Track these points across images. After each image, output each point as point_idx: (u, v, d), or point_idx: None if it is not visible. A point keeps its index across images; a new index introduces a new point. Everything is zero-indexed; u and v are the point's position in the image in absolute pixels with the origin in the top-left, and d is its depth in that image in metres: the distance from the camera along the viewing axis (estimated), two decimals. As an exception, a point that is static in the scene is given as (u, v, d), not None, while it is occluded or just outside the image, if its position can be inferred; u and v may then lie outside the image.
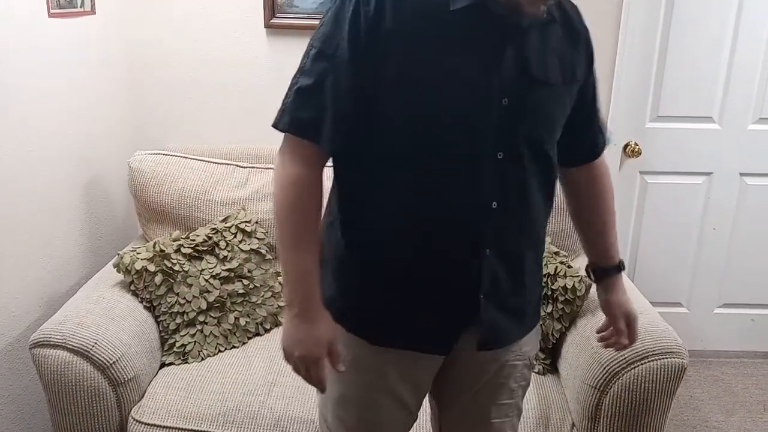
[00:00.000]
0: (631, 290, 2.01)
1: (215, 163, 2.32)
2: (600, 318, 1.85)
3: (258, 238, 2.17)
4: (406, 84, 1.11)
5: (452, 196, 1.16)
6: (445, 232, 1.19)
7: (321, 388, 1.22)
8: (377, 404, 1.32)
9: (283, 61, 2.44)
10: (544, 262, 1.96)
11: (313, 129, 1.13)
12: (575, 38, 1.24)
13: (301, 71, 1.15)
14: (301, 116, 1.14)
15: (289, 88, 1.16)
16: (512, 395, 1.39)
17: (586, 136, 1.37)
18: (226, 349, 2.04)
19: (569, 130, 1.28)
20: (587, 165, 1.40)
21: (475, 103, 1.12)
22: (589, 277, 1.49)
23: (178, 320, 1.99)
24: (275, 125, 1.17)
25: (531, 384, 1.89)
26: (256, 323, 2.12)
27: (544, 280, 1.95)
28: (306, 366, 1.19)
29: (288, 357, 1.21)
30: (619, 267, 1.45)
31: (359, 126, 1.15)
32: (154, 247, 2.00)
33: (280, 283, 2.22)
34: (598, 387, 1.70)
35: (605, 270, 1.45)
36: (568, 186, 1.44)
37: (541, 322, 1.94)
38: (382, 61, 1.10)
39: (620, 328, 1.44)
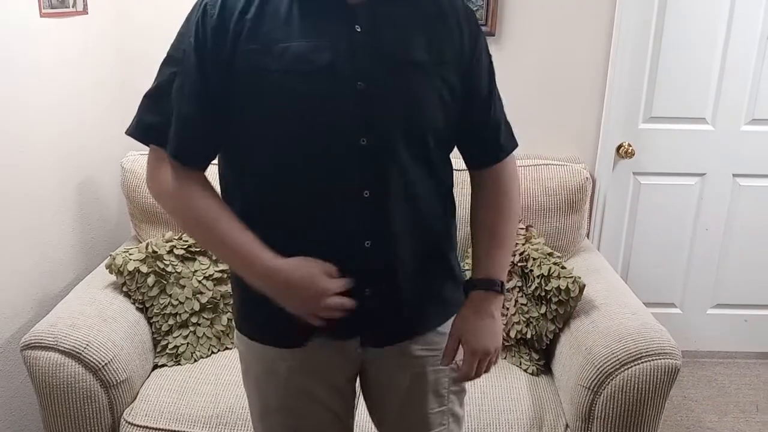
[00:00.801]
0: (625, 291, 2.02)
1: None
2: (594, 319, 1.87)
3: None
4: (256, 77, 1.08)
5: (320, 188, 1.12)
6: (320, 227, 1.14)
7: (336, 310, 1.14)
8: (299, 410, 1.30)
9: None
10: (537, 264, 1.97)
11: (157, 133, 1.14)
12: (445, 19, 1.16)
13: (155, 78, 1.17)
14: (146, 120, 1.16)
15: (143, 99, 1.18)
16: (443, 402, 1.35)
17: (482, 134, 1.26)
18: (219, 350, 2.04)
19: (464, 126, 1.22)
20: (489, 170, 1.29)
21: (327, 88, 1.08)
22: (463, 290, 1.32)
23: (171, 322, 1.98)
24: (127, 131, 1.18)
25: (525, 384, 1.90)
26: (250, 324, 2.11)
27: (538, 281, 1.95)
28: (314, 301, 1.13)
29: (296, 303, 1.15)
30: (493, 285, 1.27)
31: (216, 129, 1.13)
32: (146, 248, 1.99)
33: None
34: (591, 388, 1.70)
35: (472, 283, 1.29)
36: (472, 188, 1.33)
37: (534, 323, 1.95)
38: (230, 59, 1.08)
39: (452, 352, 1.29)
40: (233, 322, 1.30)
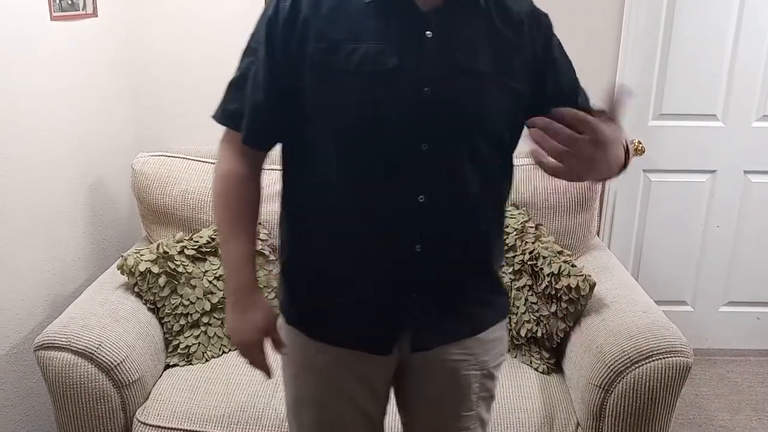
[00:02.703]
0: (636, 289, 2.01)
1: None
2: (605, 317, 1.86)
3: (261, 240, 2.17)
4: (323, 75, 1.10)
5: (376, 188, 1.14)
6: (372, 228, 1.16)
7: (265, 373, 1.27)
8: (332, 406, 1.31)
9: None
10: (547, 262, 1.97)
11: (236, 119, 1.19)
12: (516, 29, 1.17)
13: (237, 67, 1.22)
14: (229, 107, 1.21)
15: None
16: (472, 407, 1.35)
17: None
18: (230, 350, 2.05)
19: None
20: None
21: (394, 92, 1.10)
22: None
23: (182, 322, 1.99)
24: (214, 116, 1.24)
25: (535, 383, 1.90)
26: (260, 324, 2.12)
27: (548, 279, 1.94)
28: (246, 352, 1.24)
29: (233, 344, 1.27)
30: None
31: (283, 119, 1.17)
32: (157, 248, 2.00)
33: (283, 283, 2.22)
34: (602, 386, 1.69)
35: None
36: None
37: (545, 322, 1.95)
38: (300, 53, 1.11)
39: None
40: (279, 311, 1.32)
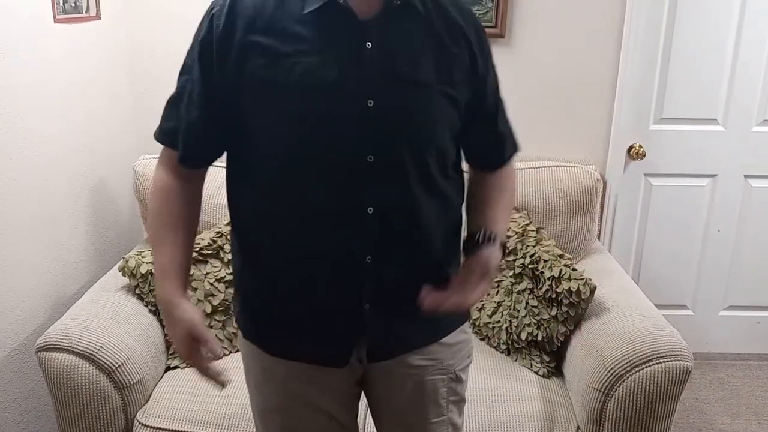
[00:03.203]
0: (636, 293, 2.02)
1: (219, 166, 2.31)
2: (605, 321, 1.86)
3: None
4: (264, 91, 1.10)
5: (323, 203, 1.13)
6: (321, 242, 1.14)
7: (214, 382, 1.21)
8: (298, 414, 1.30)
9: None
10: (547, 265, 1.97)
11: (173, 138, 1.19)
12: (455, 36, 1.16)
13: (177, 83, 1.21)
14: (165, 126, 1.21)
15: None
16: (442, 412, 1.34)
17: (486, 147, 1.30)
18: (231, 352, 2.05)
19: (469, 137, 1.24)
20: (499, 170, 1.32)
21: (335, 105, 1.08)
22: (463, 249, 1.25)
23: (183, 324, 1.99)
24: (154, 135, 1.24)
25: (536, 386, 1.90)
26: (261, 326, 2.12)
27: (549, 283, 1.95)
28: (186, 359, 1.21)
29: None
30: (500, 239, 1.21)
31: (220, 136, 1.18)
32: (159, 250, 2.01)
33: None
34: (602, 390, 1.70)
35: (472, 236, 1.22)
36: (470, 181, 1.35)
37: (545, 325, 1.95)
38: (237, 70, 1.10)
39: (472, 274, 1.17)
40: (235, 321, 1.32)
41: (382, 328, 1.21)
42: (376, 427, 1.43)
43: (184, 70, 1.19)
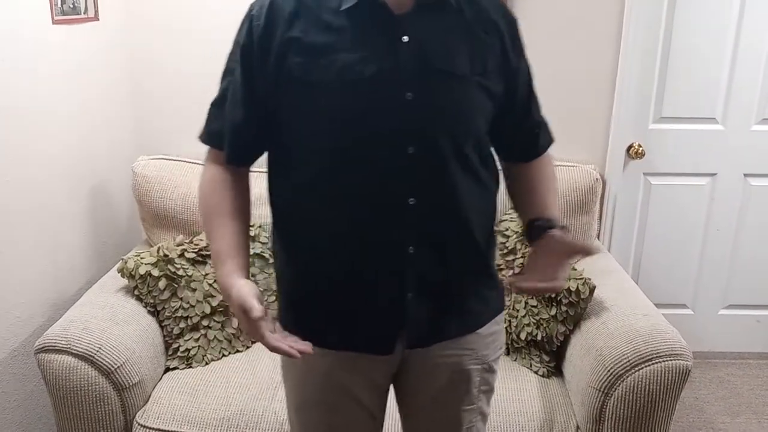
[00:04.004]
0: (636, 292, 2.01)
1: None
2: (604, 320, 1.86)
3: (261, 243, 2.18)
4: (304, 88, 1.12)
5: (365, 195, 1.15)
6: (363, 233, 1.17)
7: (276, 351, 1.13)
8: (337, 407, 1.32)
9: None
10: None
11: (218, 139, 1.23)
12: (488, 28, 1.19)
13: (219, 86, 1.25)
14: (210, 127, 1.25)
15: None
16: (474, 401, 1.37)
17: (520, 135, 1.32)
18: (230, 353, 2.05)
19: (502, 128, 1.26)
20: (527, 163, 1.36)
21: (376, 99, 1.11)
22: (527, 237, 1.32)
23: (182, 325, 1.99)
24: (199, 137, 1.27)
25: (535, 386, 1.90)
26: (260, 327, 2.12)
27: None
28: (247, 333, 1.18)
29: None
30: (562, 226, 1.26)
31: (264, 135, 1.21)
32: (158, 251, 2.01)
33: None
34: (602, 389, 1.70)
35: (546, 221, 1.27)
36: (508, 178, 1.40)
37: (545, 325, 1.95)
38: (278, 70, 1.12)
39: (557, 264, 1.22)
40: (278, 316, 1.30)
41: (424, 316, 1.23)
42: (402, 415, 1.45)
43: (226, 73, 1.22)
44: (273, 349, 1.12)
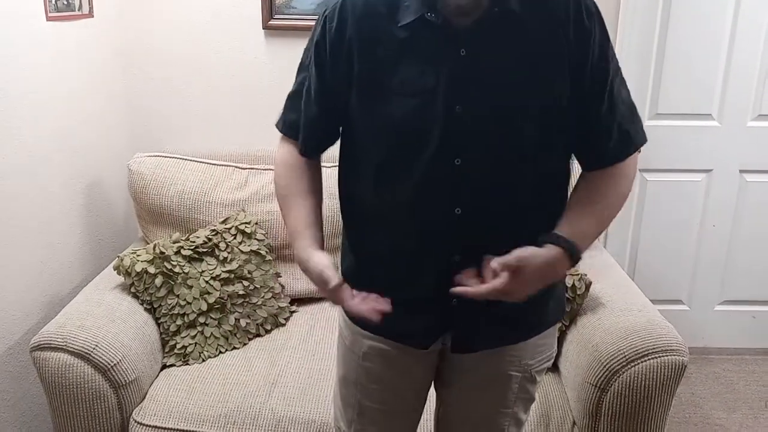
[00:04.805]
0: (632, 288, 2.02)
1: (214, 164, 2.32)
2: (600, 316, 1.87)
3: (258, 240, 2.18)
4: (367, 94, 1.17)
5: (413, 202, 1.19)
6: (411, 238, 1.21)
7: (357, 312, 1.15)
8: (371, 391, 1.38)
9: (281, 62, 2.44)
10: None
11: (295, 129, 1.30)
12: (554, 32, 1.12)
13: (294, 80, 1.31)
14: (288, 118, 1.32)
15: None
16: (509, 405, 1.38)
17: (588, 139, 1.20)
18: (226, 350, 2.05)
19: (575, 133, 1.18)
20: (601, 171, 1.22)
21: (428, 110, 1.13)
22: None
23: (179, 322, 1.99)
24: (276, 125, 1.35)
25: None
26: (257, 324, 2.12)
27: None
28: (331, 299, 1.20)
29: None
30: (572, 250, 1.14)
31: (336, 130, 1.28)
32: (154, 249, 2.00)
33: (280, 284, 2.22)
34: (598, 385, 1.70)
35: (555, 236, 1.15)
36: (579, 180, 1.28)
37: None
38: (347, 73, 1.18)
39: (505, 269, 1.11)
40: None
41: (469, 323, 1.26)
42: (437, 406, 1.49)
43: (302, 68, 1.28)
44: (354, 313, 1.16)
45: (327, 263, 1.18)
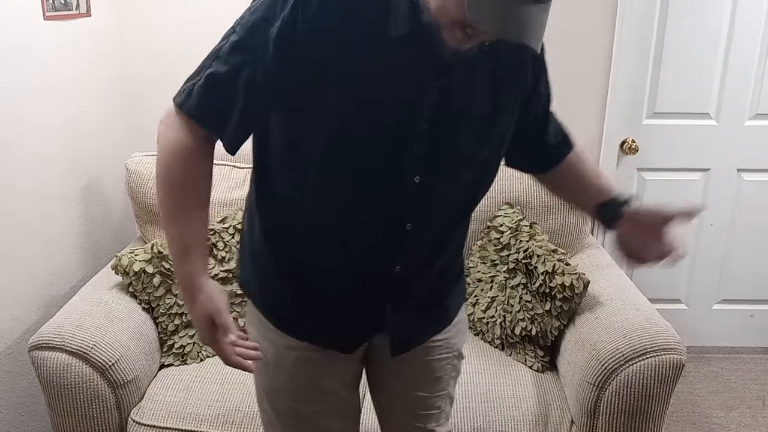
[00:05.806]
0: (630, 287, 2.02)
1: (220, 163, 2.31)
2: (599, 315, 1.87)
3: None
4: (328, 98, 1.05)
5: (365, 214, 1.15)
6: (355, 247, 1.18)
7: (231, 364, 1.12)
8: (306, 397, 1.34)
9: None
10: (541, 260, 1.98)
11: (219, 121, 1.08)
12: (518, 67, 1.17)
13: (215, 55, 1.08)
14: (208, 105, 1.08)
15: (200, 70, 1.10)
16: (444, 387, 1.43)
17: (542, 145, 1.32)
18: (225, 349, 2.04)
19: (522, 144, 1.26)
20: (559, 164, 1.35)
21: (394, 129, 1.09)
22: (603, 222, 1.32)
23: (177, 321, 1.99)
24: (179, 105, 1.10)
25: (530, 381, 1.90)
26: (255, 324, 2.12)
27: (542, 278, 1.95)
28: (204, 341, 1.14)
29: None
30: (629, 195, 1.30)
31: (267, 122, 1.12)
32: (152, 248, 2.00)
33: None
34: (596, 384, 1.70)
35: (618, 200, 1.29)
36: (547, 184, 1.42)
37: (539, 320, 1.96)
38: (308, 69, 1.03)
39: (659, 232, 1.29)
40: (253, 303, 1.31)
41: (402, 327, 1.27)
42: (374, 401, 1.50)
43: (242, 48, 1.05)
44: (229, 364, 1.12)
45: (224, 306, 1.10)
